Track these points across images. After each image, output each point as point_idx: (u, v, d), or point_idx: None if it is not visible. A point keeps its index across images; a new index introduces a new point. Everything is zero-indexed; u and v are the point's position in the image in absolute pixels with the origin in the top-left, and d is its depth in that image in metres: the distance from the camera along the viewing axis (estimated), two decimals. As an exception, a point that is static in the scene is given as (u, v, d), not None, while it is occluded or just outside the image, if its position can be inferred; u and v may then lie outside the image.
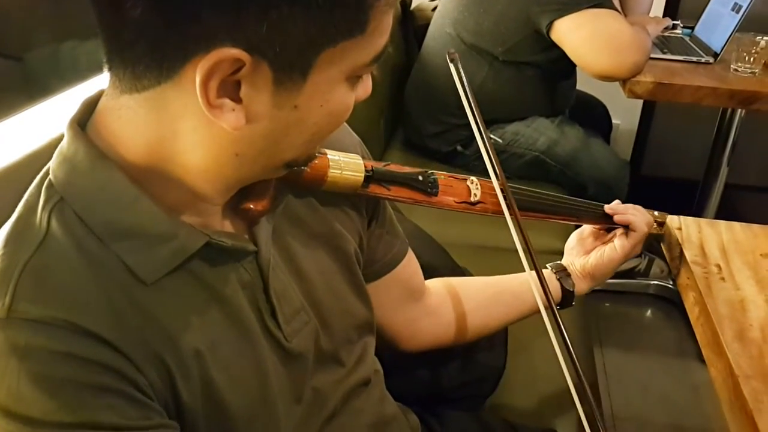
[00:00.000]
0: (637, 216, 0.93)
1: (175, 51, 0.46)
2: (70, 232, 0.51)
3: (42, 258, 0.50)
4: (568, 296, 0.92)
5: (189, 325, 0.54)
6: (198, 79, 0.46)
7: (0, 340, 0.47)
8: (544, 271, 0.91)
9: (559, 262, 0.96)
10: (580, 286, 0.94)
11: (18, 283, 0.48)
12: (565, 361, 0.68)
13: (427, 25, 1.90)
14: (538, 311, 0.87)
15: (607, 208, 0.94)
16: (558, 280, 0.92)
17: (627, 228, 0.93)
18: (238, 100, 0.48)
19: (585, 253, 0.95)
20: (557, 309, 0.90)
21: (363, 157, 0.70)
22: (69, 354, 0.48)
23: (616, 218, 0.93)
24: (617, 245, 0.93)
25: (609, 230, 0.97)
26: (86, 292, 0.50)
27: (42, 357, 0.47)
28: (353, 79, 0.53)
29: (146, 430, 0.51)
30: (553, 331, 0.69)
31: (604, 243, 0.96)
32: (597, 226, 0.97)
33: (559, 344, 0.68)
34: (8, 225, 0.52)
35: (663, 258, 2.12)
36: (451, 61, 0.71)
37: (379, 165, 0.71)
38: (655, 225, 0.97)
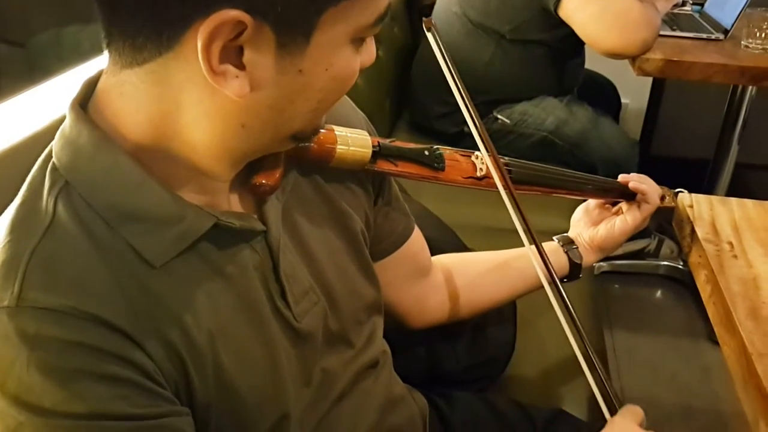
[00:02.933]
0: (651, 187, 0.93)
1: (175, 18, 0.45)
2: (77, 216, 0.50)
3: (49, 244, 0.49)
4: (575, 268, 0.91)
5: (199, 308, 0.54)
6: (199, 45, 0.45)
7: (10, 330, 0.47)
8: (551, 243, 0.92)
9: (565, 234, 0.95)
10: (588, 258, 0.93)
11: (26, 271, 0.48)
12: (572, 334, 0.68)
13: (433, 5, 1.88)
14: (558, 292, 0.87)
15: (621, 177, 0.93)
16: (566, 252, 0.91)
17: (634, 198, 0.93)
18: (241, 66, 0.47)
19: (593, 225, 0.95)
20: (565, 281, 0.91)
21: (369, 133, 0.69)
22: (79, 343, 0.47)
23: (631, 185, 0.92)
24: (629, 217, 0.93)
25: (614, 203, 0.96)
26: (95, 277, 0.49)
27: (52, 347, 0.47)
28: (357, 41, 0.52)
29: (157, 418, 0.50)
30: (558, 304, 0.68)
31: (613, 214, 0.95)
32: (602, 200, 0.96)
33: (564, 317, 0.68)
34: (12, 210, 0.52)
35: (673, 238, 2.11)
36: (428, 29, 0.69)
37: (386, 141, 0.71)
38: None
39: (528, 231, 0.72)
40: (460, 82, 0.70)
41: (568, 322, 0.67)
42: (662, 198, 0.97)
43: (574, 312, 0.68)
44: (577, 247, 0.93)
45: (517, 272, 0.89)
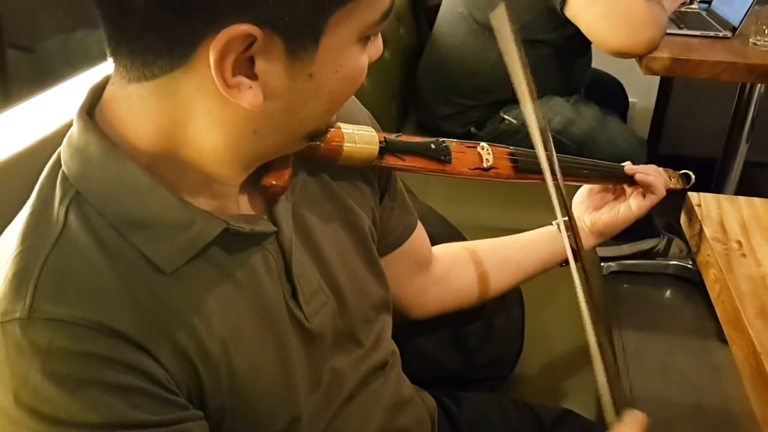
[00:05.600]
0: (657, 178, 0.93)
1: (185, 36, 0.46)
2: (89, 226, 0.50)
3: (60, 255, 0.49)
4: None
5: (211, 314, 0.54)
6: (212, 60, 0.45)
7: (23, 342, 0.47)
8: (551, 228, 0.92)
9: (566, 218, 0.95)
10: (588, 243, 0.94)
11: (38, 282, 0.48)
12: (588, 316, 0.66)
13: (439, 5, 1.88)
14: (545, 271, 0.90)
15: (627, 168, 0.93)
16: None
17: (636, 184, 0.93)
18: (253, 76, 0.48)
19: (595, 209, 0.95)
20: (564, 266, 0.91)
21: (374, 130, 0.69)
22: (91, 354, 0.48)
23: (637, 177, 0.92)
24: (633, 205, 0.93)
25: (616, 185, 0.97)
26: (106, 287, 0.49)
27: (65, 357, 0.47)
28: (364, 40, 0.52)
29: (171, 425, 0.51)
30: (581, 285, 0.67)
31: (615, 199, 0.95)
32: (605, 185, 0.96)
33: (585, 300, 0.66)
34: (22, 219, 0.52)
35: (682, 238, 2.10)
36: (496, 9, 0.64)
37: (392, 136, 0.71)
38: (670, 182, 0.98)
39: (569, 214, 0.71)
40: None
41: (588, 307, 0.66)
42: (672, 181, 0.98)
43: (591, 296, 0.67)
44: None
45: (516, 265, 0.90)
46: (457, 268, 0.88)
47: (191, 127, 0.50)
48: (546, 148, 0.70)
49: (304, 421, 0.62)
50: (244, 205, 0.59)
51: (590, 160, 0.94)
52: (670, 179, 0.98)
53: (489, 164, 0.78)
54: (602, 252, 1.98)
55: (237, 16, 0.44)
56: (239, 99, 0.48)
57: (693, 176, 1.01)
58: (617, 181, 0.95)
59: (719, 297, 0.82)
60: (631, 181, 0.94)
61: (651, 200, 0.92)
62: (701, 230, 0.91)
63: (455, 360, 1.00)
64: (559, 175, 0.71)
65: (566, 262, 0.92)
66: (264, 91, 0.48)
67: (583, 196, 0.97)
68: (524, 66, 0.66)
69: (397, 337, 0.79)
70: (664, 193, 0.93)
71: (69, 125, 0.54)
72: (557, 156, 0.89)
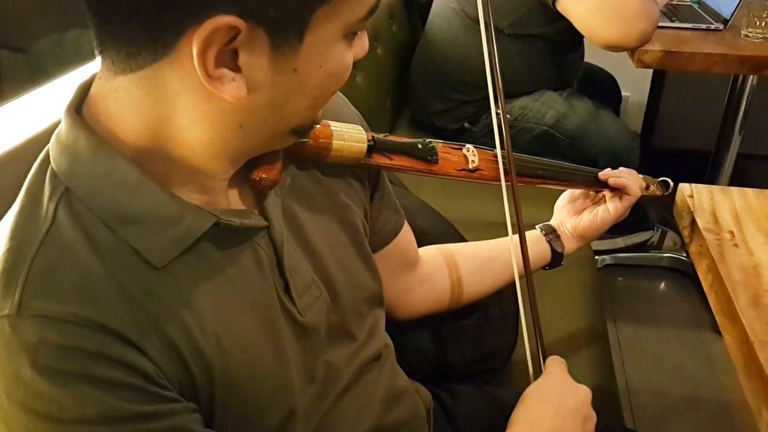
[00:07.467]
0: (631, 180, 0.95)
1: (169, 26, 0.46)
2: (79, 222, 0.50)
3: (49, 251, 0.49)
4: (557, 257, 0.93)
5: (202, 309, 0.54)
6: (195, 51, 0.45)
7: (13, 339, 0.47)
8: (534, 232, 0.94)
9: (548, 222, 0.97)
10: (570, 246, 0.95)
11: (27, 279, 0.48)
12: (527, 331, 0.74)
13: (431, 2, 1.88)
14: (529, 275, 0.90)
15: (600, 175, 0.95)
16: (548, 242, 0.93)
17: (616, 189, 0.95)
18: (236, 69, 0.48)
19: (576, 214, 0.97)
20: (546, 269, 0.94)
21: (363, 129, 0.70)
22: (81, 349, 0.48)
23: (610, 181, 0.94)
24: (611, 208, 0.95)
25: (597, 191, 0.98)
26: (96, 283, 0.49)
27: (55, 353, 0.47)
28: (350, 36, 0.52)
29: (164, 417, 0.51)
30: (522, 299, 0.72)
31: (594, 203, 0.97)
32: (588, 189, 0.98)
33: (525, 315, 0.72)
34: (11, 216, 0.52)
35: (676, 230, 2.11)
36: None
37: (380, 135, 0.72)
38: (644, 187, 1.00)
39: (518, 225, 0.74)
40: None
41: (527, 319, 0.71)
42: (646, 187, 0.99)
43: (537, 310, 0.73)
44: (559, 237, 0.94)
45: (502, 266, 0.90)
46: (442, 269, 0.89)
47: (177, 121, 0.50)
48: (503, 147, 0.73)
49: (299, 414, 0.62)
50: (234, 199, 0.59)
51: (570, 165, 0.96)
52: (650, 186, 0.99)
53: (474, 166, 0.79)
54: (596, 245, 1.99)
55: (221, 7, 0.44)
56: (222, 91, 0.48)
57: (671, 183, 1.03)
58: (598, 185, 0.97)
59: (712, 287, 0.83)
60: (611, 186, 0.95)
61: (628, 201, 0.95)
62: (693, 221, 0.91)
63: (450, 354, 1.00)
64: (513, 176, 0.73)
65: (549, 265, 0.94)
66: (247, 84, 0.48)
67: (564, 201, 0.99)
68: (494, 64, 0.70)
69: (391, 331, 0.80)
70: (639, 194, 0.95)
71: (59, 123, 0.54)
72: (536, 160, 0.91)
